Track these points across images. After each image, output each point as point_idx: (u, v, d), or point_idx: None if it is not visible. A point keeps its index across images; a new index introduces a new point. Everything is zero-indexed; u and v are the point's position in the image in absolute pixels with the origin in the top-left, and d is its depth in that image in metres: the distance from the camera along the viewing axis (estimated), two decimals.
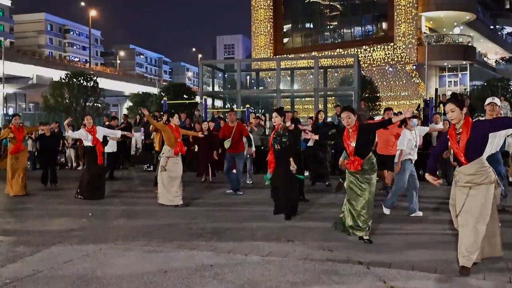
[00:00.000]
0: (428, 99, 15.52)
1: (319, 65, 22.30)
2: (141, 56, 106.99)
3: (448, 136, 4.56)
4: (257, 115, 15.10)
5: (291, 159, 6.99)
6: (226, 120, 10.85)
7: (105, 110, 31.75)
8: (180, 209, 7.92)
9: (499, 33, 56.21)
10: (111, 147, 12.21)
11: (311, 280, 4.28)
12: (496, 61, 50.69)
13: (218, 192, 9.97)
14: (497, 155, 6.52)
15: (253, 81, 38.96)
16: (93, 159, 9.11)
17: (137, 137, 15.69)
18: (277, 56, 39.38)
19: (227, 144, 9.37)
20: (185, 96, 26.94)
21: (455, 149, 4.43)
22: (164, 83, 59.13)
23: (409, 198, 7.26)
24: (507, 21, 59.29)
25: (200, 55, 71.03)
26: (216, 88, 30.65)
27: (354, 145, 5.63)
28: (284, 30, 48.04)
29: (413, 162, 7.25)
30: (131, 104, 35.46)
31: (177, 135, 8.35)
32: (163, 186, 8.20)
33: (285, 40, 48.11)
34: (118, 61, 78.69)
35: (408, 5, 40.37)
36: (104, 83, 34.50)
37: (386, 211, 7.30)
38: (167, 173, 8.16)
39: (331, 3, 46.04)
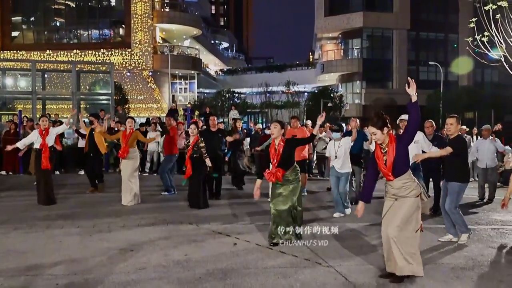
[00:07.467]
0: (187, 106, 18.58)
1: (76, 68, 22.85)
2: None
3: (375, 158, 4.67)
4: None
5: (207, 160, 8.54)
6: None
7: None
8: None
9: (218, 47, 65.10)
10: None
11: (176, 238, 6.37)
12: (216, 72, 58.68)
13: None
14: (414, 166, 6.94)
15: None
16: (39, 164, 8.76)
17: None
18: (32, 58, 37.27)
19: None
20: None
21: (383, 169, 4.59)
22: None
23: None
24: (224, 38, 69.79)
25: None
26: None
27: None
28: (14, 23, 44.95)
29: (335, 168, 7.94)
30: None
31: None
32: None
33: (15, 34, 45.05)
34: None
35: (144, 15, 43.40)
36: None
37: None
38: None
39: (66, 2, 45.48)
